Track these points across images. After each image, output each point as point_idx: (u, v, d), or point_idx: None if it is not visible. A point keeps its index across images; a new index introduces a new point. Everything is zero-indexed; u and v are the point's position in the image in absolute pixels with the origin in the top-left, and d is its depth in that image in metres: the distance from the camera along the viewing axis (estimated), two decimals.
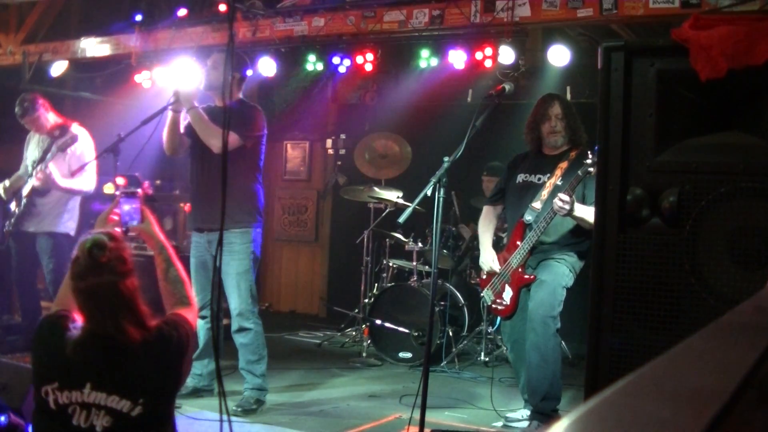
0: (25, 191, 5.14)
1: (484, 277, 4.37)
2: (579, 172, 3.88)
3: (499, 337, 5.88)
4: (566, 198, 3.81)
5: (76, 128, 5.11)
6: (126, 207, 2.38)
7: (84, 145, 5.11)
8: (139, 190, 2.40)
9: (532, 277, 4.05)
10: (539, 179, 4.17)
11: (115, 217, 2.41)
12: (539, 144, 4.24)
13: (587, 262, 4.06)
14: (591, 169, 3.80)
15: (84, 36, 6.96)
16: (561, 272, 4.03)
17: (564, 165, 4.11)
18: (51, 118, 5.20)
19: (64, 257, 4.88)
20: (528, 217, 4.10)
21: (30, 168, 5.16)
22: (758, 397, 0.67)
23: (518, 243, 4.12)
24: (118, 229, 2.38)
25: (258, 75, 6.35)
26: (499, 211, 4.50)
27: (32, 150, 5.27)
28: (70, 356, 2.04)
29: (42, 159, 5.01)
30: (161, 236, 2.41)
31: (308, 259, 8.57)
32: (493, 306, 4.30)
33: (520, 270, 4.11)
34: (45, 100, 5.24)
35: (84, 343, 2.05)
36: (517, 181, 4.26)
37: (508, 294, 4.17)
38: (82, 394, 2.02)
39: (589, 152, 3.88)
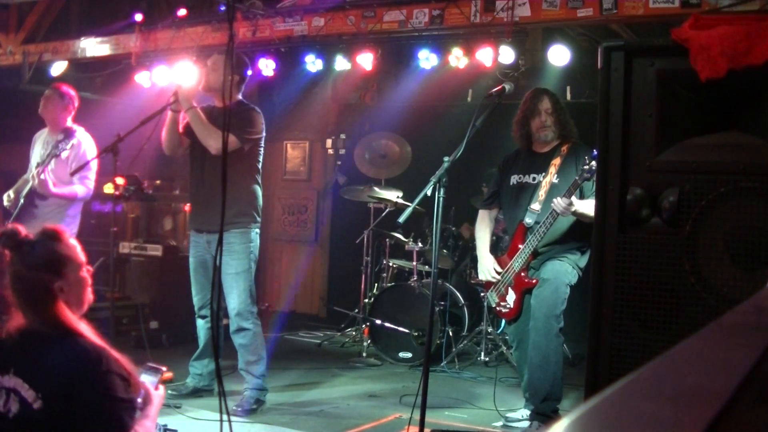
0: (24, 191, 5.13)
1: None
2: (577, 178, 3.87)
3: (500, 337, 5.88)
4: (566, 202, 3.82)
5: (81, 133, 5.08)
6: (144, 378, 2.32)
7: (86, 150, 5.07)
8: (164, 369, 2.36)
9: (534, 280, 4.05)
10: (534, 179, 4.16)
11: None
12: (529, 140, 4.23)
13: (590, 261, 4.06)
14: (588, 175, 3.78)
15: (84, 36, 6.95)
16: (564, 270, 4.03)
17: (557, 162, 4.11)
18: (66, 118, 5.16)
19: None
20: (528, 220, 4.10)
21: (33, 169, 5.15)
22: (758, 397, 0.67)
23: (519, 246, 4.12)
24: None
25: (258, 75, 6.35)
26: (495, 215, 4.49)
27: (37, 151, 5.26)
28: (4, 340, 2.10)
29: (43, 162, 5.00)
30: (152, 409, 2.26)
31: (308, 259, 8.56)
32: (497, 309, 4.30)
33: (522, 274, 4.11)
34: (76, 99, 5.23)
35: (11, 327, 2.11)
36: (511, 183, 4.25)
37: (511, 297, 4.17)
38: (6, 378, 2.05)
39: (586, 157, 3.86)
